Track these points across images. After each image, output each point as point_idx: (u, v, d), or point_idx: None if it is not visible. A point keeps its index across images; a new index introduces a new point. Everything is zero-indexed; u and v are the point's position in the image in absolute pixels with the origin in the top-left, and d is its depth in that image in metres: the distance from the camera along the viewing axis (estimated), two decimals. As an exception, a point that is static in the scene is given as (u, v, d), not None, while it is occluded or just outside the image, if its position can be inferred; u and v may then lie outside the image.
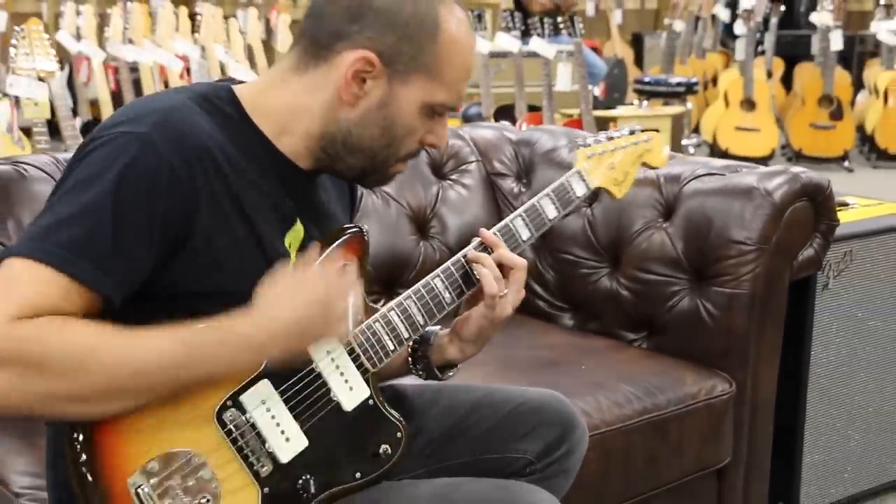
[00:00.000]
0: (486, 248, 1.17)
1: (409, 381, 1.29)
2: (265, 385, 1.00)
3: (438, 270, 1.15)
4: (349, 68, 0.98)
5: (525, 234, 1.21)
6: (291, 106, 1.01)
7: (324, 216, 1.10)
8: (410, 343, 1.20)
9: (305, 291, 0.95)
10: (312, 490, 1.01)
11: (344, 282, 0.98)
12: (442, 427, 1.23)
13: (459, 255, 1.16)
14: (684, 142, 4.90)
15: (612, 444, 1.58)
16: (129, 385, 0.87)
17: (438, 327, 1.21)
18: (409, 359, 1.22)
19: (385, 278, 1.82)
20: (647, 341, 1.87)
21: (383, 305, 1.14)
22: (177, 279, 0.95)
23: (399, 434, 1.10)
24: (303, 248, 1.05)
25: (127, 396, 0.88)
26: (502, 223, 1.20)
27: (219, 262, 0.96)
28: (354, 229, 1.09)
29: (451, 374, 1.22)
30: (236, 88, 1.02)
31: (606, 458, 1.57)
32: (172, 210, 0.91)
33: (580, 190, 1.30)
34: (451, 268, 1.15)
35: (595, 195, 1.86)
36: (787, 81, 6.17)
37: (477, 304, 1.16)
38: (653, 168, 1.48)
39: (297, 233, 1.07)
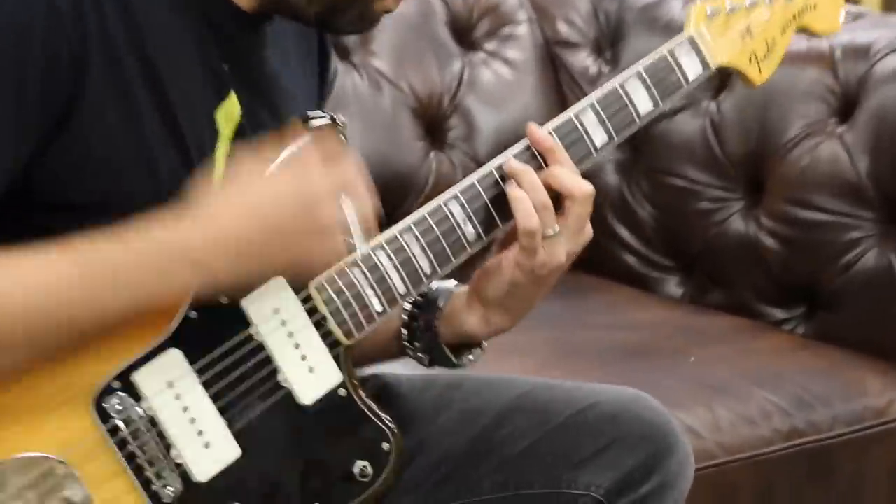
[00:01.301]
0: (535, 155, 1.17)
1: (407, 369, 1.30)
2: (174, 358, 1.02)
3: (456, 188, 1.16)
4: None
5: (600, 136, 1.20)
6: None
7: (275, 90, 1.13)
8: (407, 304, 1.21)
9: (273, 182, 0.99)
10: None
11: (339, 172, 1.02)
12: (457, 441, 1.25)
13: (491, 163, 1.17)
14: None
15: (738, 482, 1.60)
16: None
17: (452, 283, 1.23)
18: (404, 331, 1.23)
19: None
20: (804, 323, 1.88)
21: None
22: (55, 182, 0.99)
23: (386, 445, 1.11)
24: (239, 135, 1.09)
25: None
26: (562, 116, 1.19)
27: (116, 155, 1.01)
28: (322, 118, 1.12)
29: (470, 357, 1.23)
30: None
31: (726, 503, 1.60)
32: (53, 68, 0.95)
33: (693, 69, 1.26)
34: (478, 185, 1.16)
35: (721, 79, 1.85)
36: None
37: (511, 247, 1.16)
38: (819, 35, 1.45)
39: (229, 111, 1.08)
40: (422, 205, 1.17)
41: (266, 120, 1.11)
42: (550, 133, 1.17)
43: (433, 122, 1.93)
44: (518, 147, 1.17)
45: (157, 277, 0.97)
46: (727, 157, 1.93)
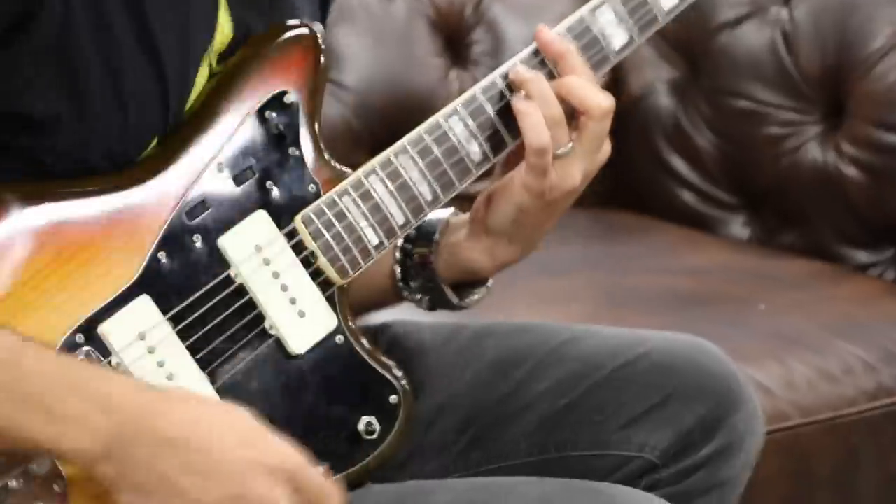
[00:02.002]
0: (545, 62, 1.17)
1: (426, 316, 1.29)
2: (144, 305, 1.03)
3: (457, 102, 1.16)
4: None
5: (619, 36, 1.20)
6: None
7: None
8: (399, 238, 1.22)
9: (257, 462, 0.95)
10: None
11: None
12: (488, 398, 1.25)
13: (496, 73, 1.17)
14: None
15: (815, 447, 1.61)
16: None
17: (449, 211, 1.23)
18: (397, 270, 1.23)
19: (386, 136, 1.73)
20: (893, 267, 1.90)
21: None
22: (6, 89, 1.00)
23: (394, 397, 1.12)
24: (227, 54, 1.11)
25: None
26: (575, 15, 1.19)
27: (77, 65, 1.01)
28: (298, 30, 1.12)
29: (475, 297, 1.24)
30: None
31: (802, 472, 1.60)
32: None
33: None
34: (481, 97, 1.15)
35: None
36: None
37: (517, 168, 1.16)
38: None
39: (219, 28, 1.09)
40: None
41: (255, 30, 1.11)
42: (562, 35, 1.17)
43: (453, 34, 1.93)
44: (526, 52, 1.17)
45: (69, 421, 0.93)
46: (801, 74, 1.93)
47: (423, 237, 1.22)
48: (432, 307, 1.24)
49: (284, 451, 0.97)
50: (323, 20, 1.22)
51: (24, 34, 0.98)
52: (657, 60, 2.05)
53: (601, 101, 1.14)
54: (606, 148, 1.17)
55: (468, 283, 1.23)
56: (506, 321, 1.31)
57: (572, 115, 1.14)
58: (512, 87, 1.15)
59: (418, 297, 1.24)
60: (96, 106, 1.01)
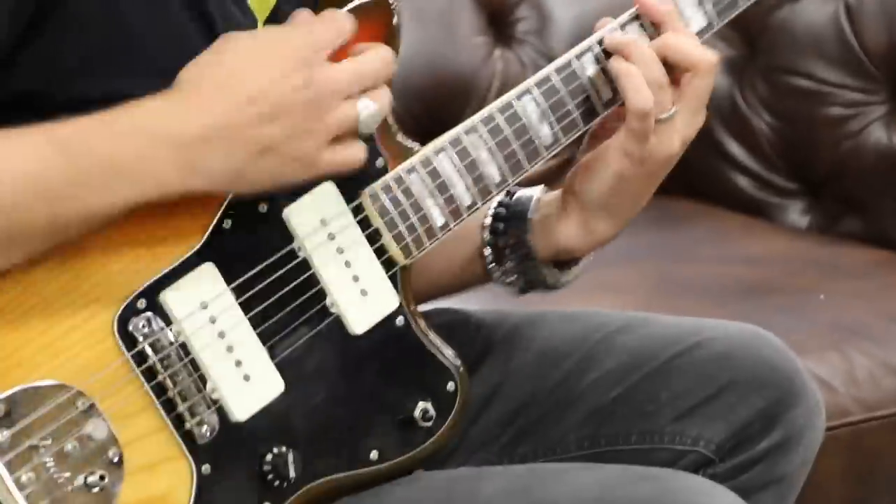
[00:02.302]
0: (642, 26, 1.19)
1: (471, 302, 1.32)
2: (208, 273, 1.05)
3: (531, 81, 1.18)
4: None
5: (698, 19, 1.22)
6: None
7: None
8: (488, 218, 1.24)
9: (278, 66, 1.00)
10: (291, 475, 1.05)
11: (359, 63, 1.02)
12: (536, 388, 1.27)
13: (584, 44, 1.19)
14: None
15: (878, 445, 1.61)
16: None
17: (539, 189, 1.24)
18: (488, 252, 1.25)
19: (427, 118, 1.84)
20: None
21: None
22: (45, 69, 1.01)
23: (451, 384, 1.14)
24: (274, 18, 1.11)
25: None
26: None
27: (125, 41, 1.03)
28: None
29: (574, 274, 1.25)
30: None
31: (863, 471, 1.61)
32: None
33: None
34: (554, 77, 1.18)
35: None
36: None
37: (612, 134, 1.17)
38: None
39: None
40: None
41: None
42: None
43: (498, 11, 1.94)
44: (618, 20, 1.18)
45: (147, 167, 0.98)
46: (866, 51, 1.93)
47: (515, 216, 1.23)
48: (526, 289, 1.25)
49: (297, 46, 1.01)
50: None
51: (63, 5, 0.99)
52: (712, 38, 1.90)
53: (708, 55, 1.16)
54: (703, 115, 1.18)
55: (561, 262, 1.24)
56: (555, 310, 1.32)
57: (672, 76, 1.16)
58: (609, 51, 1.17)
59: (512, 278, 1.25)
60: (154, 81, 1.02)
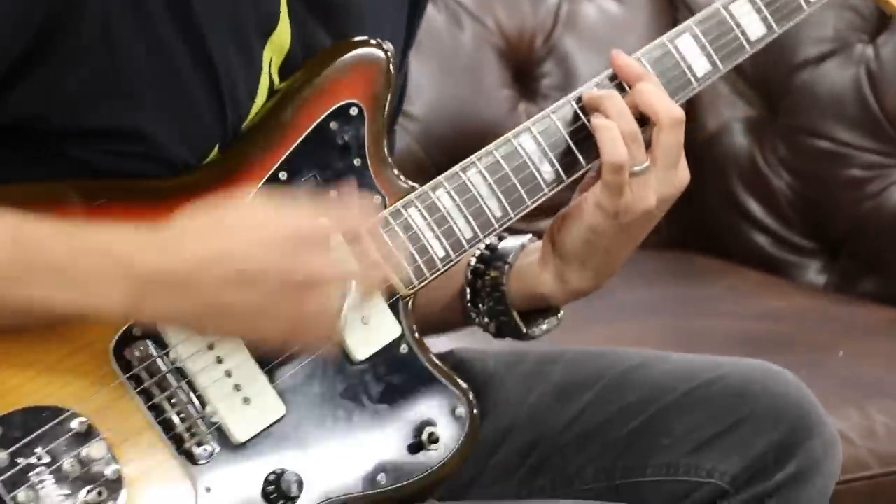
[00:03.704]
0: (620, 86, 1.20)
1: (493, 344, 1.30)
2: None
3: (530, 122, 1.19)
4: None
5: (701, 63, 1.23)
6: None
7: (342, 13, 1.17)
8: (473, 258, 1.24)
9: (267, 237, 1.00)
10: (293, 493, 1.05)
11: (358, 258, 1.04)
12: (554, 422, 1.27)
13: (571, 95, 1.20)
14: None
15: (896, 499, 1.62)
16: None
17: (526, 237, 1.25)
18: (468, 291, 1.25)
19: (449, 167, 1.81)
20: None
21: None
22: (65, 104, 1.03)
23: (461, 409, 1.14)
24: (288, 66, 1.14)
25: None
26: (655, 42, 1.23)
27: (124, 75, 1.04)
28: (368, 48, 1.15)
29: (543, 327, 1.25)
30: None
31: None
32: None
33: None
34: (552, 118, 1.19)
35: (880, 18, 1.88)
36: None
37: (592, 188, 1.18)
38: None
39: (279, 40, 1.11)
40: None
41: (322, 43, 1.14)
42: (639, 60, 1.20)
43: (523, 66, 1.95)
44: (599, 78, 1.20)
45: (97, 286, 0.98)
46: (886, 114, 1.94)
47: (497, 259, 1.23)
48: (499, 334, 1.25)
49: (288, 224, 1.00)
50: (409, 38, 1.26)
51: (63, 34, 1.00)
52: (733, 98, 2.06)
53: (671, 109, 1.16)
54: (683, 175, 1.18)
55: (539, 311, 1.24)
56: (572, 348, 1.32)
57: (648, 143, 1.17)
58: (587, 108, 1.18)
59: (486, 320, 1.25)
60: (151, 114, 1.04)
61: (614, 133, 1.15)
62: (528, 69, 1.98)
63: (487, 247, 1.24)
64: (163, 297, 0.99)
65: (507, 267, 1.23)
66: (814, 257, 2.03)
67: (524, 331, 1.24)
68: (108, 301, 0.98)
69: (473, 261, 1.24)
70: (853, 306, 1.92)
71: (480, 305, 1.25)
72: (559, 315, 1.25)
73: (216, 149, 1.09)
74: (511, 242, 1.24)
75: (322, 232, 1.01)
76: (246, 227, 1.00)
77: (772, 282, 1.99)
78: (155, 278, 0.98)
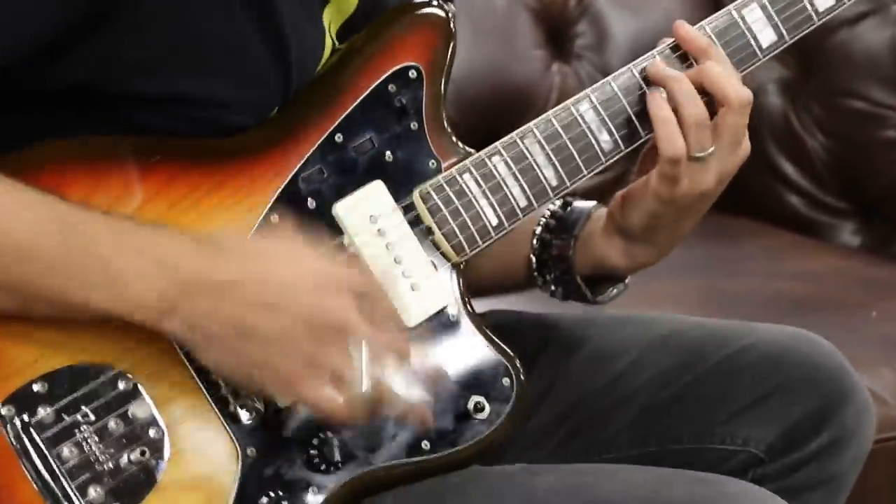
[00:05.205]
0: (684, 58, 1.20)
1: (527, 306, 1.33)
2: None
3: (589, 90, 1.19)
4: None
5: (767, 34, 1.23)
6: None
7: None
8: (538, 226, 1.26)
9: (313, 277, 1.01)
10: (337, 459, 1.06)
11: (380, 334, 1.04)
12: (589, 389, 1.28)
13: (633, 64, 1.20)
14: None
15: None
16: None
17: (591, 204, 1.26)
18: (533, 259, 1.27)
19: (484, 129, 1.80)
20: None
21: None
22: (102, 65, 1.03)
23: (507, 380, 1.14)
24: (347, 28, 1.15)
25: None
26: (720, 13, 1.22)
27: (188, 44, 1.05)
28: (431, 8, 1.16)
29: (613, 293, 1.27)
30: None
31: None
32: None
33: None
34: (612, 85, 1.19)
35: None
36: None
37: (652, 171, 1.18)
38: None
39: (344, 5, 1.14)
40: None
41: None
42: (703, 30, 1.19)
43: (556, 26, 1.94)
44: (661, 46, 1.19)
45: (136, 286, 0.98)
46: (925, 76, 1.92)
47: (563, 229, 1.25)
48: (566, 298, 1.27)
49: (339, 271, 1.02)
50: None
51: (124, 2, 1.01)
52: (767, 59, 2.02)
53: (740, 91, 1.16)
54: (746, 145, 1.18)
55: (606, 277, 1.25)
56: (606, 312, 1.32)
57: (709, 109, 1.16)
58: (651, 81, 1.17)
59: (553, 287, 1.26)
60: (216, 81, 1.05)
61: (672, 128, 1.15)
62: (561, 29, 1.97)
63: (553, 214, 1.25)
64: (197, 302, 0.99)
65: (573, 240, 1.24)
66: (847, 218, 2.02)
67: (591, 298, 1.26)
68: (143, 303, 0.99)
69: (539, 230, 1.25)
70: (887, 267, 1.91)
71: (547, 275, 1.26)
72: (626, 281, 1.26)
73: (275, 111, 1.10)
74: (576, 212, 1.25)
75: (364, 289, 1.03)
76: (291, 262, 1.02)
77: (806, 243, 1.99)
78: (196, 282, 0.99)
